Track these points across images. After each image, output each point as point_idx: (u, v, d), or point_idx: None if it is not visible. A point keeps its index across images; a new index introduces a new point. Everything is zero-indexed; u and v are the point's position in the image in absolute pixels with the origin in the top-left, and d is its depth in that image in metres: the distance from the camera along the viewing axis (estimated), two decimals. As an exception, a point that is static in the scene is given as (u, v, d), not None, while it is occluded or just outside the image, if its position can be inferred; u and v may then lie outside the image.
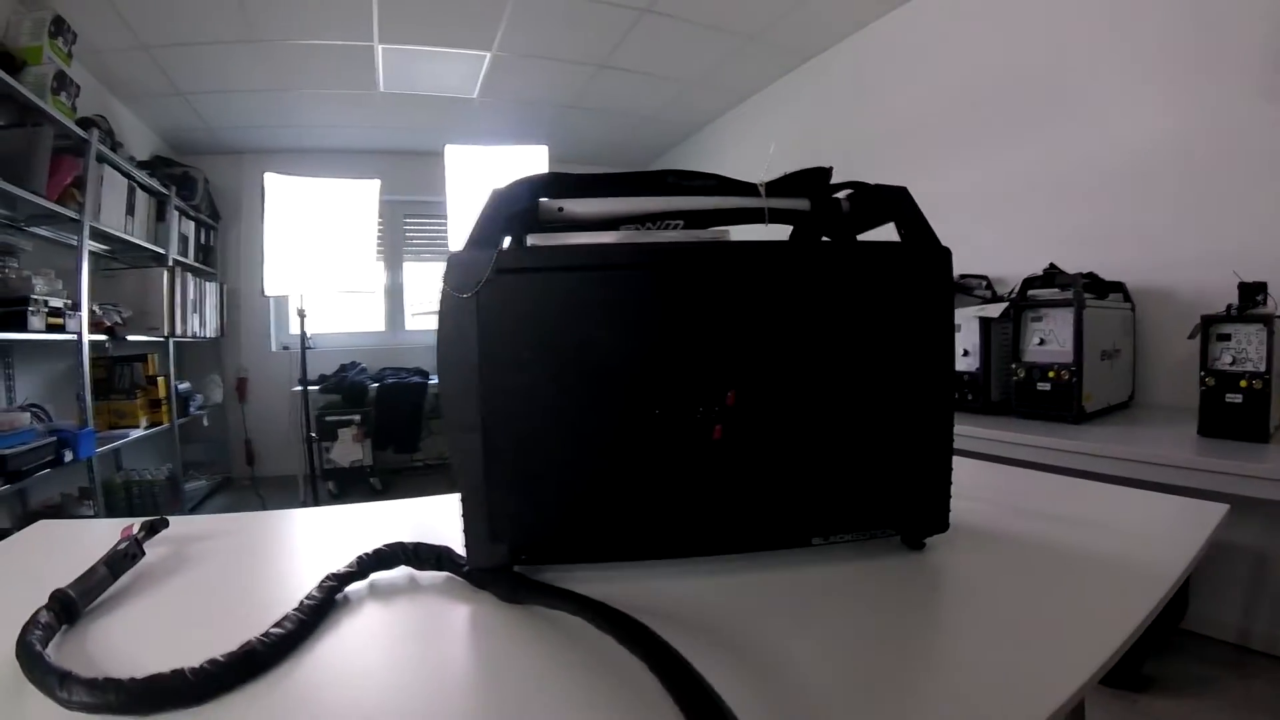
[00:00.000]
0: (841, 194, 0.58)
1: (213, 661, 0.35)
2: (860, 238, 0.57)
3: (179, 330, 3.19)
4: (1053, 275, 1.39)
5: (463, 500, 0.47)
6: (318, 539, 0.67)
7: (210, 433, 3.78)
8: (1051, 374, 1.34)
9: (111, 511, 2.72)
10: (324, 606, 0.44)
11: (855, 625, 0.42)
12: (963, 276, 1.86)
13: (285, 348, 2.59)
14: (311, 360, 3.35)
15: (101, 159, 2.33)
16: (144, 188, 2.91)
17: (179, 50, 2.68)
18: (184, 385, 3.37)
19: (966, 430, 1.41)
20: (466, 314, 0.44)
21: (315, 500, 3.04)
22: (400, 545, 0.52)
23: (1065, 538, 0.55)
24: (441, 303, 0.46)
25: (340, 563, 0.49)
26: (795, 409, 0.47)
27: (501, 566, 0.47)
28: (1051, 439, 1.21)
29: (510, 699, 0.35)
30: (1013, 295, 1.47)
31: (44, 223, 2.10)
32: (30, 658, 0.35)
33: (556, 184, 0.52)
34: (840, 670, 0.36)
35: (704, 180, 0.55)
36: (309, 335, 2.79)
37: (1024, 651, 0.37)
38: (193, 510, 3.24)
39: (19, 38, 1.93)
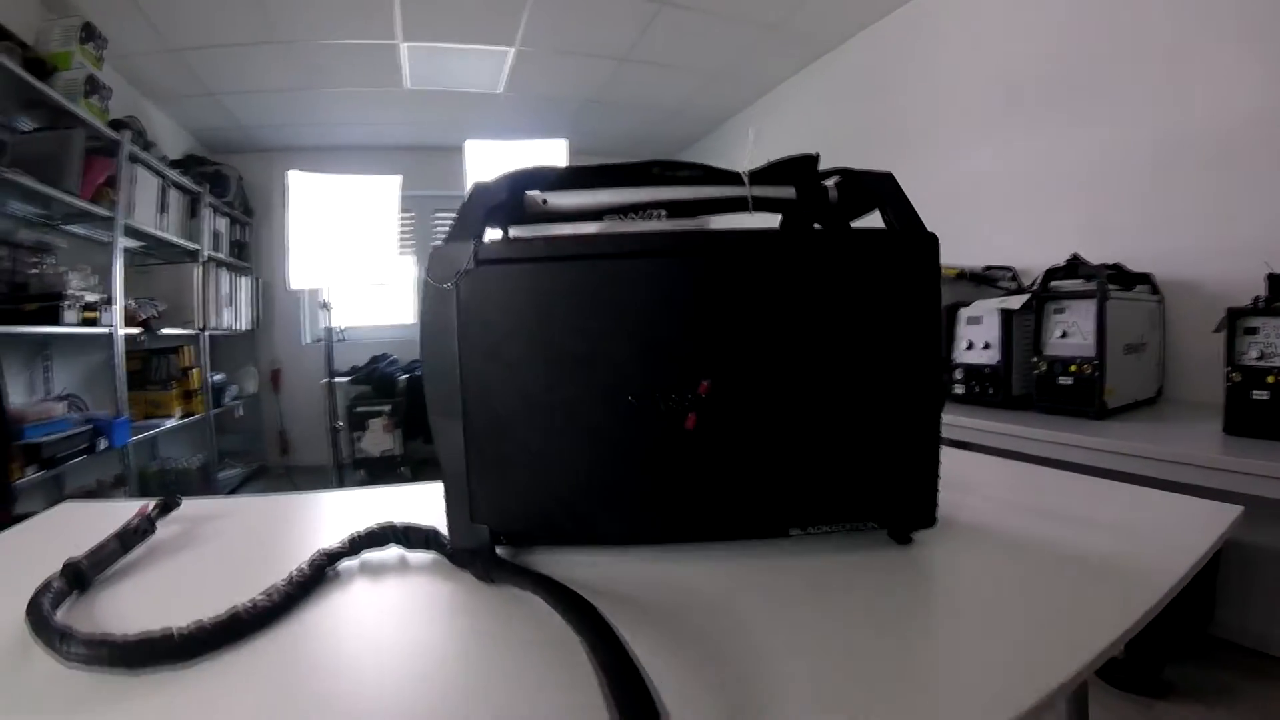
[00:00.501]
0: (829, 181, 0.58)
1: (199, 624, 0.38)
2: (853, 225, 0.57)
3: (213, 323, 3.32)
4: (1075, 266, 1.36)
5: (445, 484, 0.49)
6: (322, 520, 0.71)
7: (245, 423, 3.91)
8: (1073, 368, 1.30)
9: (146, 497, 2.84)
10: (311, 580, 0.47)
11: (824, 616, 0.41)
12: (988, 268, 1.83)
13: (318, 340, 2.68)
14: (344, 352, 3.46)
15: (134, 159, 2.43)
16: (176, 186, 3.03)
17: (207, 52, 2.78)
18: (218, 376, 3.50)
19: (984, 425, 1.40)
20: (447, 304, 0.47)
21: (341, 486, 3.14)
22: (391, 526, 0.54)
23: (1063, 536, 0.54)
24: (424, 293, 0.48)
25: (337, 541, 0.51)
26: (771, 399, 0.47)
27: (481, 548, 0.49)
28: (1069, 435, 1.18)
29: (470, 671, 0.37)
30: (1035, 287, 1.44)
31: (79, 221, 2.21)
32: (37, 617, 0.38)
33: (538, 177, 0.53)
34: (799, 659, 0.36)
35: (689, 170, 0.56)
36: (342, 328, 2.88)
37: (994, 651, 0.36)
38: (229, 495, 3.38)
39: (50, 44, 2.03)
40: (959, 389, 1.62)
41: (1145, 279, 1.45)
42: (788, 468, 0.48)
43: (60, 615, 0.43)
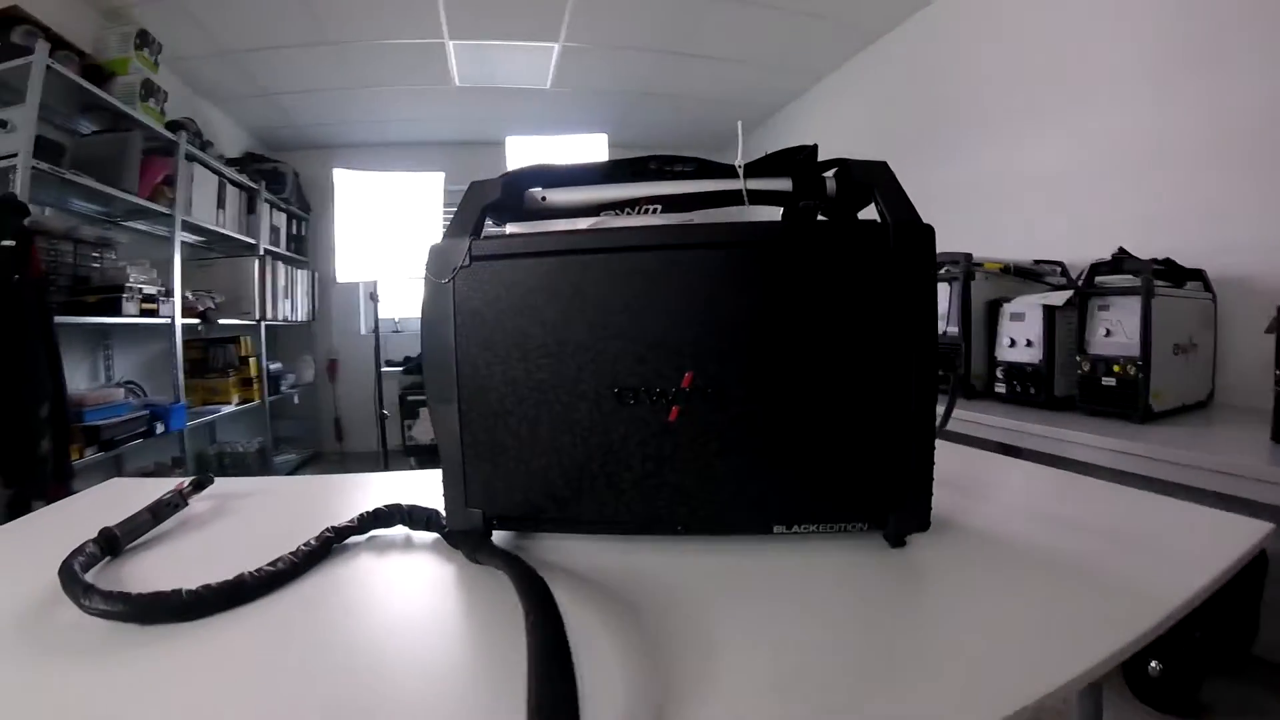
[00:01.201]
0: (829, 173, 0.58)
1: (205, 586, 0.42)
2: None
3: (270, 314, 3.49)
4: (1121, 260, 1.29)
5: (443, 469, 0.51)
6: (345, 500, 0.75)
7: (302, 410, 4.11)
8: (1117, 368, 1.24)
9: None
10: (317, 553, 0.51)
11: (792, 612, 0.41)
12: (1036, 262, 1.76)
13: (374, 331, 2.81)
14: (399, 343, 3.65)
15: (191, 158, 2.60)
16: (234, 183, 3.21)
17: (260, 54, 2.93)
18: (275, 365, 3.69)
19: (1021, 425, 1.36)
20: (445, 298, 0.49)
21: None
22: (398, 506, 0.58)
23: (1071, 547, 0.51)
24: (424, 287, 0.51)
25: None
26: (755, 393, 0.47)
27: (475, 530, 0.51)
28: (1108, 439, 1.13)
29: (441, 644, 0.40)
30: (1079, 282, 1.38)
31: (139, 217, 2.38)
32: (66, 574, 0.43)
33: (535, 175, 0.55)
34: (755, 650, 0.36)
35: (684, 164, 0.57)
36: (398, 320, 2.98)
37: (961, 664, 0.35)
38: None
39: (107, 51, 2.19)
40: (1000, 388, 1.57)
41: (1198, 275, 1.37)
42: (770, 463, 0.48)
43: (91, 575, 0.47)
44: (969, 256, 1.68)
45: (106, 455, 1.90)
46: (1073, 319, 1.38)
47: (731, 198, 0.56)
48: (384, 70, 3.26)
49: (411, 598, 0.46)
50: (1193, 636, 0.44)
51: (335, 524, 0.54)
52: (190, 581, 0.42)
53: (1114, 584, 0.44)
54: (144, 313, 2.12)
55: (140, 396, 2.23)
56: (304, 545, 0.50)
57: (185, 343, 2.60)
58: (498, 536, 0.54)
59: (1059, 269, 1.68)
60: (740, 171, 0.55)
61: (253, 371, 3.37)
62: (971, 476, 0.72)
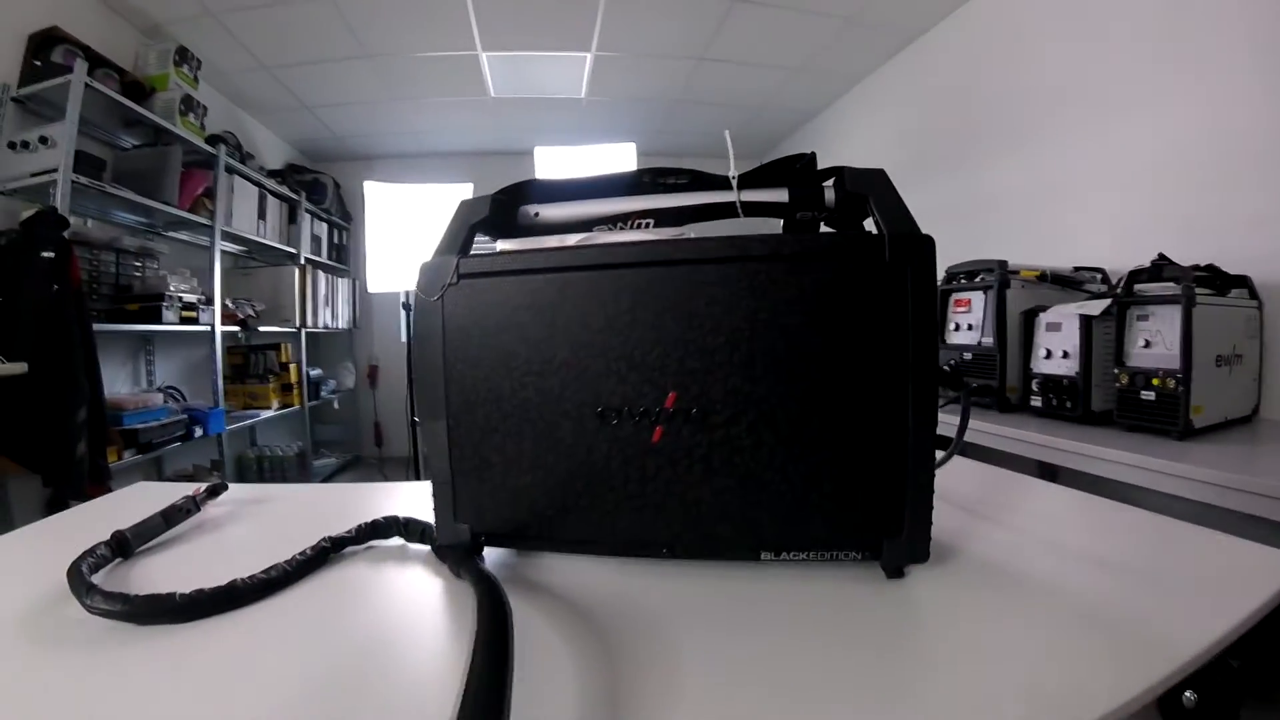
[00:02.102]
0: (829, 183, 0.57)
1: (199, 591, 0.44)
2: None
3: (311, 322, 3.62)
4: (1161, 267, 1.23)
5: (432, 483, 0.53)
6: (356, 509, 0.77)
7: (342, 415, 4.27)
8: (1156, 381, 1.19)
9: (243, 481, 3.17)
10: (312, 562, 0.53)
11: (774, 648, 0.40)
12: (1076, 269, 1.71)
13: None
14: None
15: (231, 170, 2.72)
16: (274, 194, 3.35)
17: (299, 69, 3.06)
18: (316, 372, 3.82)
19: (1053, 441, 1.31)
20: (434, 315, 0.50)
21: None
22: (395, 518, 0.59)
23: (1088, 582, 0.48)
24: (415, 304, 0.52)
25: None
26: (741, 414, 0.46)
27: (462, 545, 0.52)
28: (1143, 457, 1.07)
29: (416, 655, 0.41)
30: (1118, 290, 1.33)
31: (180, 228, 2.51)
32: (73, 574, 0.46)
33: (527, 191, 0.57)
34: (726, 690, 0.35)
35: (678, 177, 0.56)
36: None
37: (962, 713, 0.33)
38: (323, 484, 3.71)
39: (147, 68, 2.32)
40: (1035, 401, 1.52)
41: (1243, 282, 1.30)
42: (758, 488, 0.47)
43: (101, 575, 0.51)
44: (1004, 264, 1.63)
45: (145, 458, 2.01)
46: (1111, 329, 1.33)
47: (725, 210, 0.55)
48: (421, 83, 3.37)
49: (396, 608, 0.48)
50: (1229, 666, 0.41)
51: (332, 534, 0.57)
52: (194, 584, 0.45)
53: (1127, 628, 0.40)
54: (184, 320, 2.24)
55: (180, 401, 2.35)
56: (299, 554, 0.53)
57: (227, 349, 2.73)
58: (496, 553, 0.55)
59: (1099, 276, 1.62)
60: (734, 183, 0.54)
61: (293, 377, 3.50)
62: (988, 498, 0.70)
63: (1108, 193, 1.84)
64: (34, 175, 1.82)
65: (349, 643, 0.42)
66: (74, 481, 1.54)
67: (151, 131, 2.29)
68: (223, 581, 0.46)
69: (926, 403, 0.46)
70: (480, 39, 2.89)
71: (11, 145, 1.85)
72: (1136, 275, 1.28)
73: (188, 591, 0.44)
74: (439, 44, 2.93)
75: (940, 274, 1.90)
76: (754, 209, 0.55)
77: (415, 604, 0.48)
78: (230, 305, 2.78)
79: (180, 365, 2.67)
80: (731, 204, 0.55)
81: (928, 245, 0.46)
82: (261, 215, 3.18)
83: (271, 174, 3.41)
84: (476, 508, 0.52)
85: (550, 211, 0.58)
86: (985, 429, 1.50)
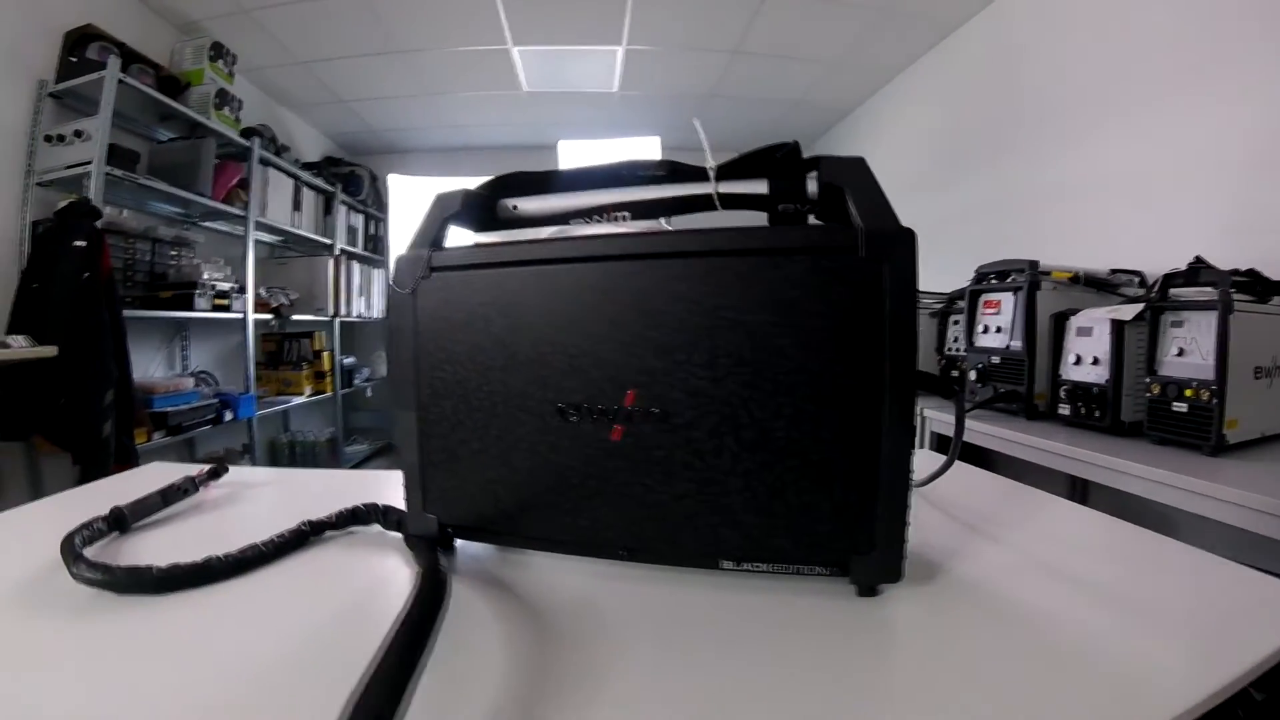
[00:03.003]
0: (813, 173, 0.55)
1: (174, 565, 0.47)
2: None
3: (345, 311, 3.74)
4: (1198, 270, 1.17)
5: (404, 472, 0.54)
6: (355, 494, 0.79)
7: (376, 403, 4.40)
8: (1189, 392, 1.13)
9: (275, 465, 3.30)
10: (289, 544, 0.55)
11: (718, 662, 0.38)
12: (1113, 272, 1.64)
13: None
14: None
15: (265, 162, 2.83)
16: (310, 186, 3.46)
17: (333, 64, 3.15)
18: (349, 360, 3.95)
19: (1068, 450, 1.27)
20: (407, 307, 0.52)
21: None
22: (374, 505, 0.62)
23: (1081, 616, 0.43)
24: (389, 296, 0.54)
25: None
26: (703, 415, 0.45)
27: (427, 535, 0.53)
28: (1169, 473, 1.02)
29: (369, 638, 0.42)
30: (1152, 294, 1.27)
31: (216, 218, 2.62)
32: (66, 545, 0.50)
33: (504, 184, 0.58)
34: (656, 702, 0.34)
35: (656, 169, 0.55)
36: None
37: None
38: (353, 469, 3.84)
39: (183, 63, 2.43)
40: (1064, 409, 1.47)
41: (1286, 287, 1.23)
42: (718, 492, 0.45)
43: (96, 548, 0.55)
44: (1035, 264, 1.58)
45: (175, 439, 2.12)
46: (1144, 336, 1.27)
47: (703, 202, 0.54)
48: (454, 77, 3.44)
49: (359, 592, 0.50)
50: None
51: (313, 518, 0.59)
52: (179, 559, 0.48)
53: (1120, 676, 0.36)
54: (216, 308, 2.34)
55: (212, 386, 2.46)
56: (276, 536, 0.55)
57: (261, 336, 2.84)
58: (474, 546, 0.56)
59: (1136, 280, 1.55)
60: (711, 174, 0.53)
61: (326, 365, 3.63)
62: (993, 512, 0.67)
63: (1147, 192, 1.76)
64: (69, 167, 1.92)
65: (307, 623, 0.44)
66: (100, 460, 1.64)
67: (187, 125, 2.40)
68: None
69: (902, 410, 0.43)
70: (510, 33, 2.93)
71: (48, 138, 1.96)
72: (1171, 279, 1.22)
73: (164, 565, 0.47)
74: (469, 39, 2.98)
75: (970, 274, 1.86)
76: (733, 201, 0.53)
77: (377, 589, 0.50)
78: (264, 294, 2.89)
79: (214, 351, 2.80)
80: (708, 196, 0.54)
81: (907, 239, 0.43)
82: (296, 206, 3.30)
83: (307, 166, 3.53)
84: (444, 499, 0.53)
85: (528, 205, 0.58)
86: (1010, 437, 1.46)
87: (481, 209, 0.58)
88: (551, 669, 0.37)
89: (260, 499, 0.75)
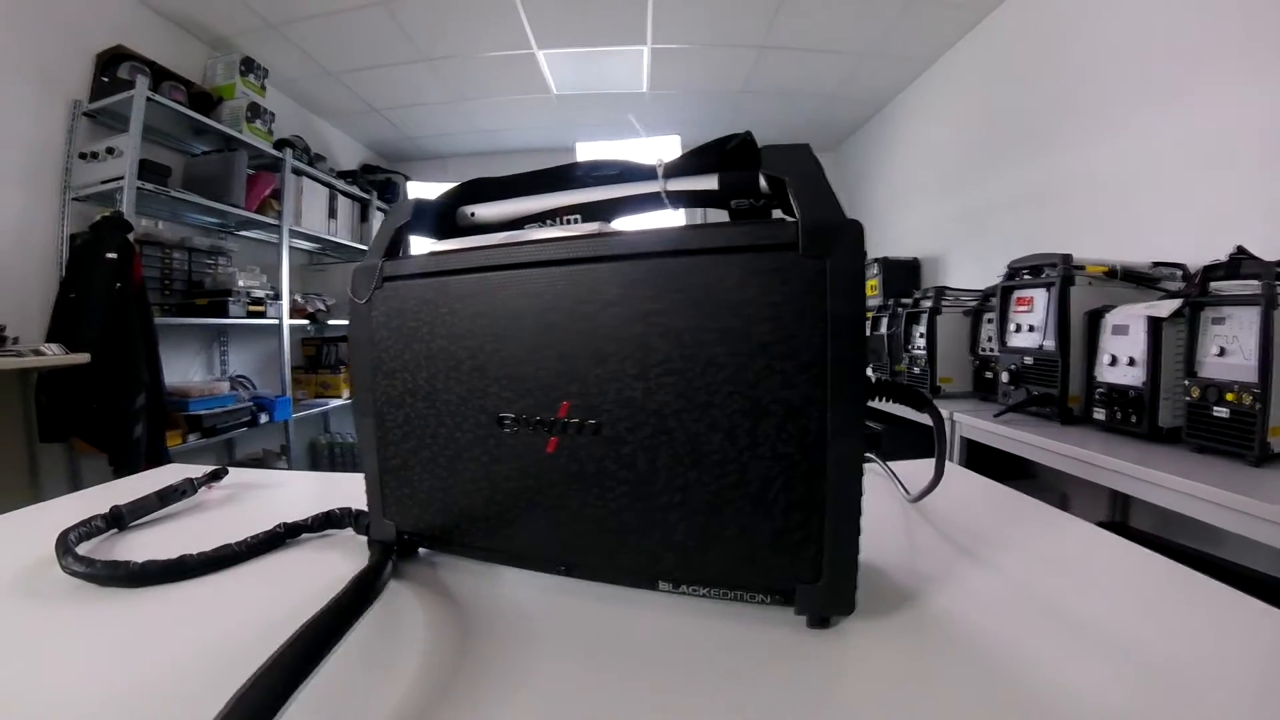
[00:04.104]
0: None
1: (150, 561, 0.51)
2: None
3: (382, 316, 3.88)
4: (1239, 262, 1.10)
5: (365, 479, 0.57)
6: (349, 497, 0.83)
7: None
8: (1230, 396, 1.07)
9: (314, 466, 3.46)
10: (263, 544, 0.59)
11: (637, 685, 0.37)
12: (1155, 265, 1.56)
13: None
14: None
15: (298, 172, 2.97)
16: (345, 194, 3.62)
17: (362, 74, 3.28)
18: (387, 363, 4.08)
19: (1092, 457, 1.22)
20: (363, 317, 0.54)
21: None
22: (349, 510, 0.65)
23: (1072, 667, 0.37)
24: (349, 306, 0.57)
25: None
26: (637, 428, 0.44)
27: (390, 542, 0.55)
28: (1206, 487, 0.96)
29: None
30: (1190, 289, 1.20)
31: (251, 228, 2.77)
32: (60, 540, 0.55)
33: (466, 191, 0.59)
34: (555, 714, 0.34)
35: (608, 169, 0.54)
36: None
37: None
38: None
39: (215, 78, 2.57)
40: (1099, 414, 1.41)
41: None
42: (655, 510, 0.44)
43: (92, 544, 0.60)
44: (1068, 258, 1.52)
45: (210, 441, 2.26)
46: (1183, 334, 1.21)
47: (651, 201, 0.53)
48: (483, 83, 3.54)
49: (321, 592, 0.50)
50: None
51: (290, 520, 0.63)
52: (170, 557, 0.52)
53: None
54: (251, 314, 2.48)
55: (249, 389, 2.60)
56: (251, 537, 0.59)
57: (301, 341, 2.98)
58: (437, 554, 0.57)
59: (1179, 273, 1.47)
60: (659, 171, 0.51)
61: (364, 368, 3.76)
62: (992, 531, 0.63)
63: (1191, 181, 1.67)
64: (103, 183, 2.07)
65: (263, 619, 0.46)
66: (132, 461, 1.76)
67: (221, 138, 2.55)
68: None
69: (850, 424, 0.40)
70: (534, 37, 2.99)
71: (83, 155, 2.11)
72: (1211, 271, 1.16)
73: (140, 561, 0.52)
74: (494, 44, 3.06)
75: (1002, 270, 1.80)
76: (684, 199, 0.52)
77: (335, 590, 0.53)
78: (300, 300, 3.04)
79: (252, 356, 2.96)
80: (656, 195, 0.53)
81: (851, 232, 0.40)
82: (332, 214, 3.45)
83: (342, 174, 3.68)
84: (401, 506, 0.55)
85: (485, 211, 0.59)
86: (1040, 443, 1.41)
87: (440, 217, 0.60)
88: (460, 681, 0.38)
89: (256, 501, 0.80)
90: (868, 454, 0.89)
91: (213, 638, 0.44)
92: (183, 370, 2.44)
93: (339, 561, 0.58)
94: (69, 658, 0.41)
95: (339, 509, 0.65)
